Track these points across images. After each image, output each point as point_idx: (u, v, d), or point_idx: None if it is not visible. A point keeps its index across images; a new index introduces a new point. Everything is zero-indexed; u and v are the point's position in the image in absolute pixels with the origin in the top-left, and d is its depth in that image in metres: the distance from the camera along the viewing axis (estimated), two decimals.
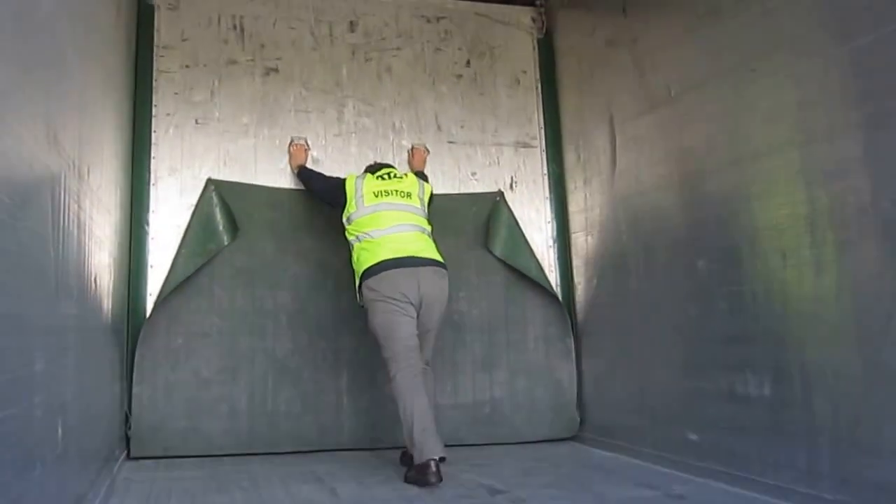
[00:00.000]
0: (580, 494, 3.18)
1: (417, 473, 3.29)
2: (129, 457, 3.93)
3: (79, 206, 2.48)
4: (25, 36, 1.83)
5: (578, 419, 4.51)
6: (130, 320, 4.01)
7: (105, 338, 3.35)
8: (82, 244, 2.58)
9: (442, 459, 3.27)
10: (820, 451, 2.74)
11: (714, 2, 3.39)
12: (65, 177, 2.25)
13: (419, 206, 3.86)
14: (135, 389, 3.97)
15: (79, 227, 2.50)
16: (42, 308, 2.06)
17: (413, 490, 3.23)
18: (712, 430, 3.35)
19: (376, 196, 3.78)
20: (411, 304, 3.52)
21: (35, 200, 1.94)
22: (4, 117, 1.66)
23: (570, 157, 4.80)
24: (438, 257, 3.70)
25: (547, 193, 4.88)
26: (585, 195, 4.58)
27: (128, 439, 3.95)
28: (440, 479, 3.24)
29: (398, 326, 3.50)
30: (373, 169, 4.00)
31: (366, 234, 3.69)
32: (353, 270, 3.73)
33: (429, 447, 3.28)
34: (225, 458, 3.97)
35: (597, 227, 4.45)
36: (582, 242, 4.61)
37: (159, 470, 3.69)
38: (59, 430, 2.20)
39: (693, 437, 3.47)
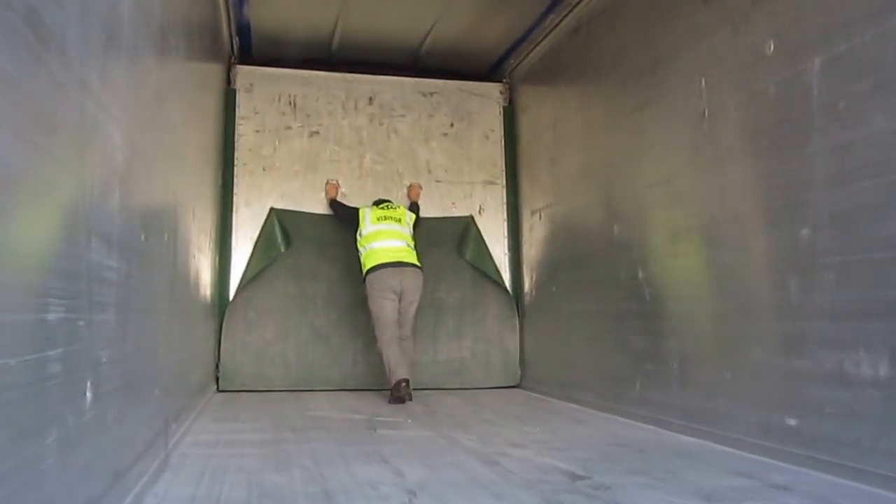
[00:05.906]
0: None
1: (393, 391, 5.24)
2: (218, 390, 5.99)
3: (190, 231, 3.99)
4: (173, 136, 3.35)
5: (520, 373, 6.45)
6: (220, 301, 6.03)
7: (206, 312, 5.30)
8: (191, 253, 4.06)
9: (407, 381, 5.24)
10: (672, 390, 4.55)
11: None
12: (186, 215, 3.86)
13: (406, 227, 5.83)
14: (223, 346, 5.99)
15: (189, 242, 3.95)
16: (166, 294, 3.21)
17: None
18: (619, 381, 4.55)
19: (378, 220, 5.78)
20: (394, 292, 5.48)
21: (167, 233, 3.14)
22: (157, 184, 2.85)
23: (522, 191, 6.70)
24: (416, 262, 5.65)
25: (505, 217, 6.79)
26: (532, 219, 6.43)
27: (217, 378, 6.00)
28: (409, 393, 5.22)
29: (384, 309, 5.46)
30: (377, 202, 6.01)
31: (370, 244, 5.67)
32: (361, 270, 5.71)
33: (399, 372, 5.27)
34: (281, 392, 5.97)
35: (539, 242, 6.28)
36: (528, 252, 6.50)
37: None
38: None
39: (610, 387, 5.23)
